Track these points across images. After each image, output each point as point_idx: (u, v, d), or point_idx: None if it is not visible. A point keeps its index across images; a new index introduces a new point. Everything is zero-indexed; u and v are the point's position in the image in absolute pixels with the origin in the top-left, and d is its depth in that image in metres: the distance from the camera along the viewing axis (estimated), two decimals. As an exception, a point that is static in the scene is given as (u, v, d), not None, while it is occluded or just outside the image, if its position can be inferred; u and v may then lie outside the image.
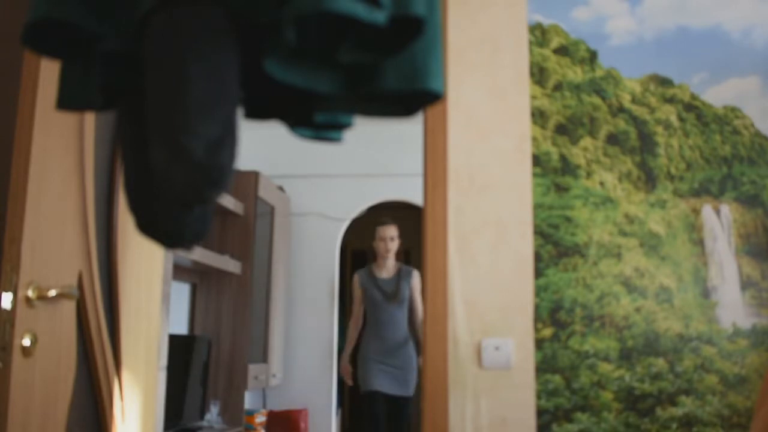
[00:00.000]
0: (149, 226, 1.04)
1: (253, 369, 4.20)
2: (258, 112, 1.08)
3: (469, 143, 2.30)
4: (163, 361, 3.00)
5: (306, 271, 5.16)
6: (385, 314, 4.56)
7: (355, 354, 4.78)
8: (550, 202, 2.28)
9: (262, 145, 4.66)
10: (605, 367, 2.19)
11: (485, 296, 2.21)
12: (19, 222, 1.67)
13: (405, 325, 4.58)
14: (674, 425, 2.17)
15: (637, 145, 2.33)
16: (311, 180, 5.18)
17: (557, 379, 2.19)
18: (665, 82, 2.37)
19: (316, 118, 1.06)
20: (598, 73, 2.37)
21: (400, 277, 4.66)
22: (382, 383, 4.45)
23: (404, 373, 4.50)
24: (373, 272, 4.70)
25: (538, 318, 2.21)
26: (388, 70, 0.92)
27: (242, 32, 0.92)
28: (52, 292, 1.74)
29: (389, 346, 4.51)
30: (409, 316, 4.64)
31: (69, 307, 1.88)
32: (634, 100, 2.36)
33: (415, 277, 4.67)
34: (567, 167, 2.30)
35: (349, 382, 4.76)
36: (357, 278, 4.74)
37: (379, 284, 4.64)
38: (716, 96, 2.36)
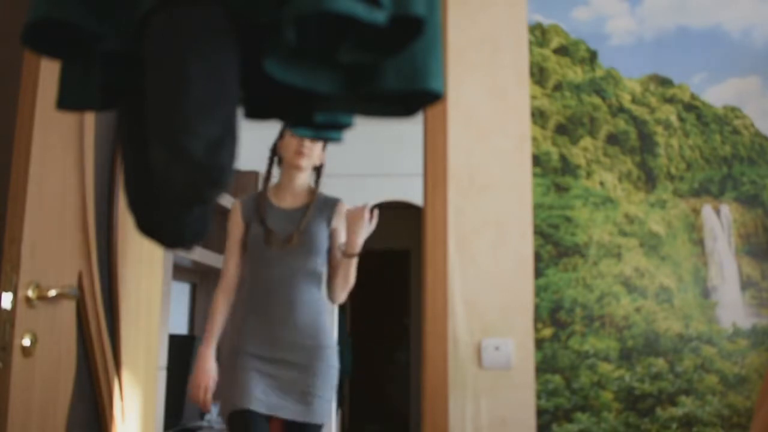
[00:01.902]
0: (149, 226, 1.04)
1: (253, 369, 4.19)
2: (258, 112, 1.08)
3: (469, 143, 2.30)
4: (163, 361, 3.00)
5: (306, 271, 5.14)
6: (278, 272, 2.49)
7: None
8: (550, 202, 2.28)
9: (262, 145, 4.66)
10: (605, 367, 2.19)
11: (485, 296, 2.21)
12: (19, 222, 1.67)
13: (318, 296, 2.56)
14: (674, 425, 2.17)
15: (637, 145, 2.33)
16: (311, 180, 5.18)
17: (557, 379, 2.19)
18: (665, 82, 2.37)
19: (316, 118, 1.06)
20: (598, 73, 2.37)
21: (314, 209, 2.60)
22: (263, 398, 2.40)
23: (308, 380, 2.44)
24: (269, 198, 2.63)
25: (538, 318, 2.21)
26: (388, 70, 0.92)
27: (242, 32, 0.92)
28: (52, 292, 1.74)
29: (283, 331, 2.46)
30: (329, 282, 2.65)
31: (69, 307, 1.88)
32: (634, 100, 2.36)
33: (340, 213, 2.64)
34: (567, 167, 2.30)
35: (207, 408, 2.51)
36: (238, 207, 2.63)
37: (271, 218, 2.56)
38: (716, 96, 2.36)
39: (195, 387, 2.45)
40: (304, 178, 2.67)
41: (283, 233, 2.53)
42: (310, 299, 2.52)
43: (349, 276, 2.63)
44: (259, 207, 2.60)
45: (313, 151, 2.62)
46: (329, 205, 2.65)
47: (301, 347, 2.47)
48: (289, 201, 2.64)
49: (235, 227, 2.62)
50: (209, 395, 2.45)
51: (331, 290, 2.66)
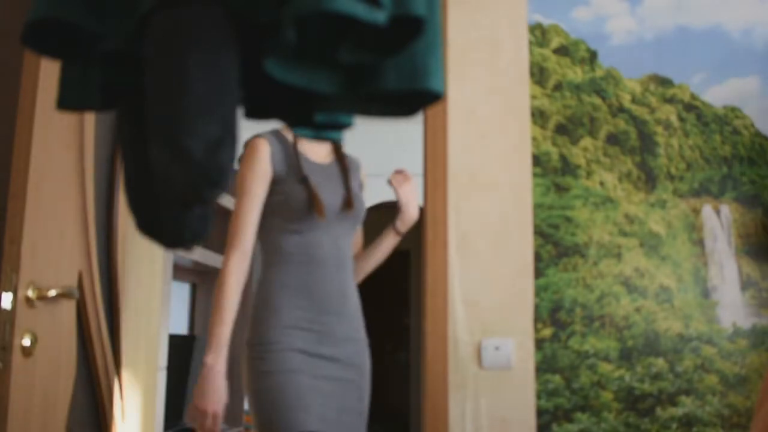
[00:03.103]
0: (149, 226, 1.04)
1: (253, 369, 4.19)
2: (258, 111, 1.08)
3: (469, 143, 2.30)
4: (163, 361, 3.00)
5: (306, 271, 5.14)
6: (328, 246, 1.97)
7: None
8: (550, 202, 2.28)
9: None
10: (605, 367, 2.19)
11: (485, 296, 2.21)
12: (19, 222, 1.67)
13: (352, 272, 2.06)
14: (674, 425, 2.16)
15: (637, 145, 2.33)
16: (311, 180, 5.17)
17: (557, 379, 2.19)
18: (665, 82, 2.37)
19: (316, 118, 1.06)
20: (598, 73, 2.37)
21: (345, 165, 2.10)
22: (325, 415, 1.85)
23: (362, 382, 1.98)
24: (297, 147, 2.01)
25: (538, 318, 2.21)
26: (389, 70, 0.92)
27: (242, 32, 0.92)
28: (52, 292, 1.74)
29: (338, 323, 1.96)
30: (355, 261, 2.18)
31: (69, 307, 1.88)
32: (634, 100, 2.36)
33: (364, 176, 2.22)
34: (567, 167, 2.30)
35: None
36: (265, 148, 1.96)
37: (312, 175, 1.99)
38: (716, 96, 2.36)
39: (200, 413, 1.78)
40: None
41: (331, 196, 1.99)
42: (354, 282, 2.06)
43: (382, 258, 2.22)
44: (293, 157, 1.97)
45: None
46: (355, 164, 2.17)
47: (353, 341, 1.98)
48: (317, 153, 2.05)
49: (260, 178, 1.93)
50: (218, 427, 1.80)
51: (355, 272, 2.12)
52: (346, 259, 2.02)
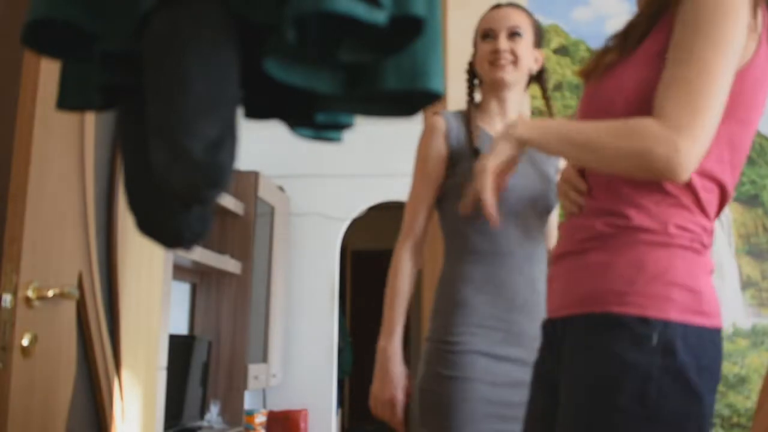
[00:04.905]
0: (149, 226, 1.04)
1: (253, 369, 4.21)
2: (258, 112, 1.08)
3: (469, 143, 2.30)
4: (163, 361, 3.01)
5: (306, 271, 5.16)
6: (514, 234, 1.75)
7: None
8: (550, 202, 2.28)
9: (262, 145, 4.66)
10: (605, 367, 2.19)
11: (485, 296, 2.21)
12: (19, 222, 1.67)
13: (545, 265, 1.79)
14: (674, 425, 2.16)
15: (637, 145, 2.33)
16: (311, 180, 5.19)
17: (557, 379, 2.19)
18: (665, 82, 2.37)
19: (316, 118, 1.06)
20: (598, 73, 2.37)
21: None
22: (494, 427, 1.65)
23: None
24: (473, 121, 1.79)
25: (538, 318, 2.21)
26: (389, 70, 0.92)
27: (242, 32, 0.92)
28: (52, 292, 1.75)
29: (526, 320, 1.72)
30: None
31: (69, 307, 1.88)
32: (634, 100, 2.36)
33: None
34: (567, 167, 2.30)
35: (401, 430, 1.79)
36: (441, 123, 1.80)
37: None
38: (716, 96, 2.37)
39: (379, 402, 1.72)
40: (517, 97, 1.82)
41: (518, 177, 1.70)
42: (544, 275, 1.74)
43: None
44: (471, 134, 1.74)
45: (520, 57, 1.72)
46: None
47: (535, 341, 1.62)
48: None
49: (433, 157, 1.76)
50: (399, 413, 1.72)
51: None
52: (538, 249, 1.78)
